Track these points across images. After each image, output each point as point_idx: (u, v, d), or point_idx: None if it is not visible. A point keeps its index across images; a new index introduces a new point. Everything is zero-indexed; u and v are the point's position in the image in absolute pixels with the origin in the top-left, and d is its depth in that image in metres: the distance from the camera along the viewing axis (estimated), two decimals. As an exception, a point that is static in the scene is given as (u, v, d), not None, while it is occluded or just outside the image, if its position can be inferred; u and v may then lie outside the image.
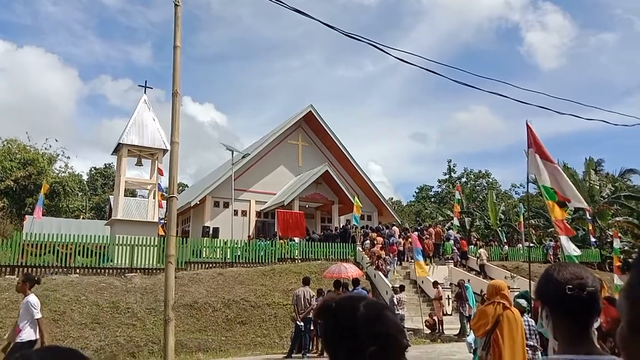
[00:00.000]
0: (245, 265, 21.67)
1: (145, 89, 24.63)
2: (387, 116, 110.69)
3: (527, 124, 10.31)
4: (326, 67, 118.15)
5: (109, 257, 20.03)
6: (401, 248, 24.26)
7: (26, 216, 31.81)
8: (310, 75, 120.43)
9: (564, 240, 10.53)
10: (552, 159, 10.09)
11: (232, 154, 26.20)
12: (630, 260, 28.52)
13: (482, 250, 25.60)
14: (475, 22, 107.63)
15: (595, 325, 1.62)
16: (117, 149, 23.91)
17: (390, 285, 18.52)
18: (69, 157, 59.86)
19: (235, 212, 27.82)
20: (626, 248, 30.44)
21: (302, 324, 13.31)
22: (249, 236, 27.37)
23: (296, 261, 23.00)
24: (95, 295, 15.97)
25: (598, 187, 34.18)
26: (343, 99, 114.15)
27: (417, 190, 65.23)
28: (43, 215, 25.58)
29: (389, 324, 1.23)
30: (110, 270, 18.79)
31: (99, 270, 18.67)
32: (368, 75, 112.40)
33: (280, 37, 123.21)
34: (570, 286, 1.58)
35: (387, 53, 8.70)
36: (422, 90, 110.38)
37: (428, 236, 25.38)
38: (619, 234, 28.17)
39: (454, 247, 25.67)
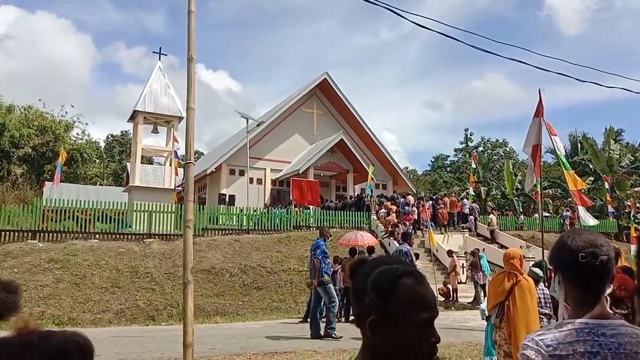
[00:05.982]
0: (261, 232, 21.92)
1: (159, 56, 24.61)
2: (402, 84, 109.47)
3: (539, 92, 10.09)
4: (341, 33, 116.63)
5: (127, 223, 20.38)
6: (416, 217, 24.31)
7: (45, 182, 32.33)
8: (324, 42, 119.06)
9: (581, 210, 10.47)
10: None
11: (247, 121, 26.20)
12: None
13: (492, 217, 25.67)
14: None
15: (608, 291, 1.62)
16: (133, 117, 24.04)
17: (405, 253, 18.61)
18: (87, 124, 60.44)
19: (251, 180, 27.99)
20: (644, 218, 30.18)
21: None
22: (265, 204, 27.61)
23: (311, 229, 23.18)
24: (114, 260, 16.30)
25: (617, 157, 33.67)
26: (358, 67, 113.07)
27: (432, 160, 64.81)
28: (61, 181, 25.97)
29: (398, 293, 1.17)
30: (129, 236, 19.09)
31: (117, 236, 18.97)
32: (383, 42, 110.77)
33: (293, 3, 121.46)
34: (583, 254, 1.57)
35: (404, 17, 8.52)
36: (437, 58, 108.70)
37: (442, 205, 25.39)
38: (637, 205, 27.86)
39: (471, 216, 25.96)
